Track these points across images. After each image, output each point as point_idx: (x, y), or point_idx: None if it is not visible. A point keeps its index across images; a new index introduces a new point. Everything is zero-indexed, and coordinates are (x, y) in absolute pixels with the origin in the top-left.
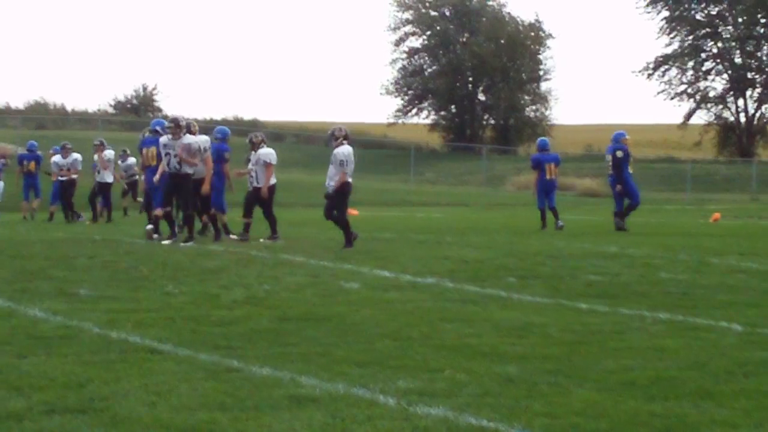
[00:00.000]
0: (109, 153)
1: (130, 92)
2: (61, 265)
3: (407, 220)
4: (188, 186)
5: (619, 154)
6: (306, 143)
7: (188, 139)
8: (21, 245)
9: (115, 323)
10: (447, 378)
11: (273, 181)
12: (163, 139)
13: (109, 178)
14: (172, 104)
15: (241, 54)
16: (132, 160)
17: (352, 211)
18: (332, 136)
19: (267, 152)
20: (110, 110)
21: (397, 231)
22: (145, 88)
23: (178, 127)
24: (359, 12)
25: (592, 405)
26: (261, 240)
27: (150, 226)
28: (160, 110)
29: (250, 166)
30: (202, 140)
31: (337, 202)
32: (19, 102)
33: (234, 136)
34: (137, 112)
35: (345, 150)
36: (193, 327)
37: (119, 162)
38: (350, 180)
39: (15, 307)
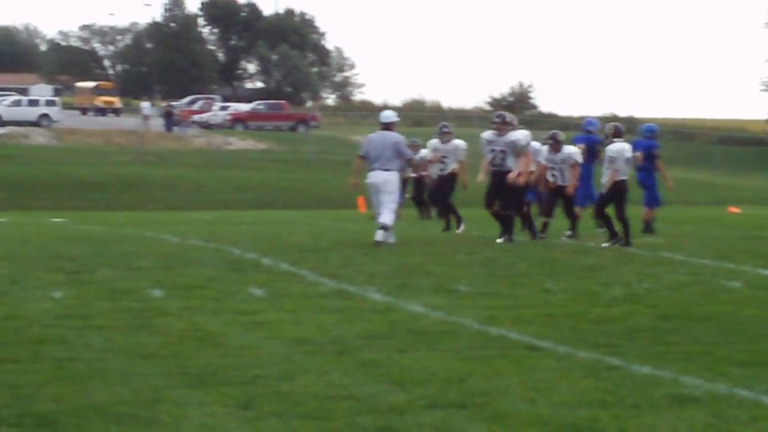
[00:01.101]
0: (424, 152)
1: (506, 90)
2: (439, 261)
3: None
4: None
5: None
6: (684, 140)
7: (514, 135)
8: (400, 242)
9: (495, 319)
10: None
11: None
12: (488, 134)
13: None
14: (547, 101)
15: (618, 50)
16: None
17: (734, 209)
18: (605, 134)
19: (575, 151)
20: (486, 107)
21: None
22: (521, 86)
23: (504, 123)
24: (737, 8)
25: None
26: (563, 237)
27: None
28: (535, 107)
29: (549, 164)
30: (524, 135)
31: (611, 201)
32: (396, 99)
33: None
34: (513, 109)
35: (616, 147)
36: (572, 324)
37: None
38: (624, 178)
39: (395, 302)
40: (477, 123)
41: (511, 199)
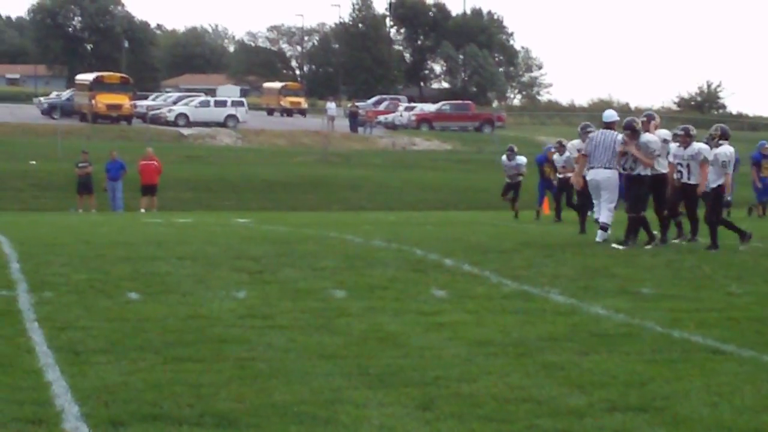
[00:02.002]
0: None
1: (694, 89)
2: (624, 263)
3: None
4: (641, 188)
5: None
6: None
7: (646, 137)
8: (583, 244)
9: (678, 322)
10: None
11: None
12: (620, 138)
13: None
14: (737, 101)
15: None
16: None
17: None
18: (710, 135)
19: (705, 148)
20: (673, 107)
21: None
22: (709, 85)
23: (635, 131)
24: None
25: None
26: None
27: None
28: (724, 107)
29: (675, 161)
30: (663, 135)
31: (716, 204)
32: (583, 100)
33: None
34: (701, 110)
35: (728, 150)
36: (757, 328)
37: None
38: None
39: (578, 304)
40: (663, 124)
41: (637, 202)
